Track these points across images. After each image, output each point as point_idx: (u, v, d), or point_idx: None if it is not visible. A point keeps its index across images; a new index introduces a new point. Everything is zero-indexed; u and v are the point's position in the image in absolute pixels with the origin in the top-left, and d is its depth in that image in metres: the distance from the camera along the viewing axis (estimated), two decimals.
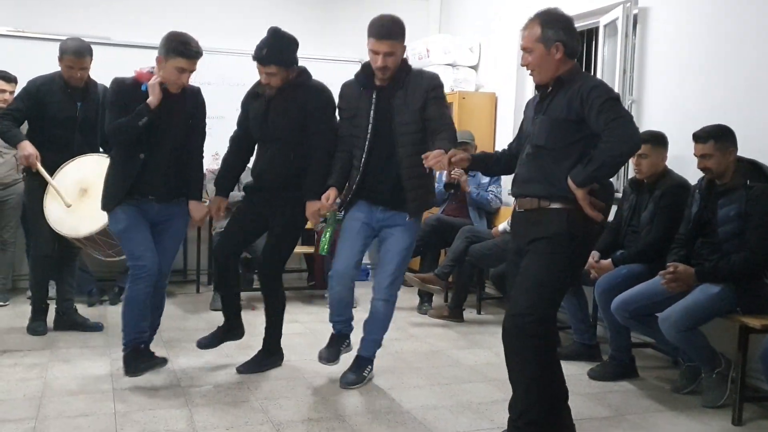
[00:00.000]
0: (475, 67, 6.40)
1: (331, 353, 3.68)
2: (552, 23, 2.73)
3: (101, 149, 4.40)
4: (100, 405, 3.26)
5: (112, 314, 5.02)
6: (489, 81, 6.30)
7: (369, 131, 3.44)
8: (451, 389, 3.66)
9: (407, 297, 5.74)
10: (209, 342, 3.89)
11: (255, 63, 3.54)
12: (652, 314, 3.58)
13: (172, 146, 3.62)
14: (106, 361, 3.91)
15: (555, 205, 2.74)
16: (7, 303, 5.15)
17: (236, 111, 6.24)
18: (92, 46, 5.80)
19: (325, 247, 3.63)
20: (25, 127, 4.35)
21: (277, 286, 3.89)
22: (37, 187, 4.12)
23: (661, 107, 4.50)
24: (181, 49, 3.45)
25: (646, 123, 4.57)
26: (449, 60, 6.29)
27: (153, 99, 3.50)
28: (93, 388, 3.49)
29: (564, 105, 2.71)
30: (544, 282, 2.71)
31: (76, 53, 4.15)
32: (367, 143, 3.44)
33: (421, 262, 5.55)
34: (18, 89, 4.56)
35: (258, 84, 3.71)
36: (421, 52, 6.40)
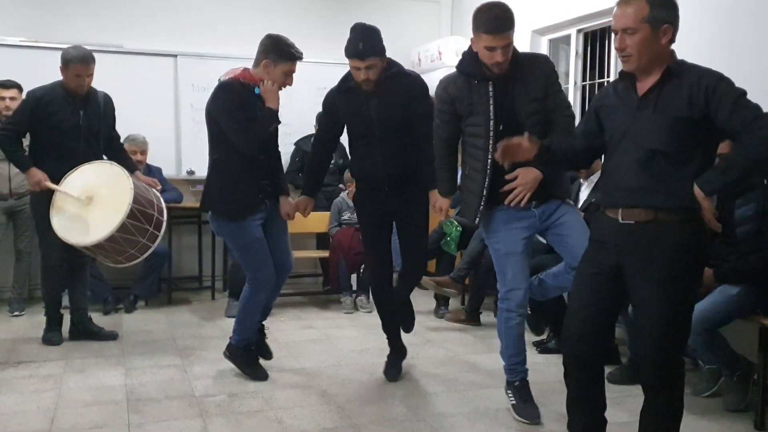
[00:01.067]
0: None
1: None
2: (663, 1, 2.36)
3: (104, 156, 4.39)
4: (114, 416, 3.24)
5: (127, 322, 5.03)
6: None
7: (491, 128, 3.07)
8: (468, 395, 3.61)
9: (423, 301, 5.70)
10: (395, 372, 3.82)
11: (351, 60, 3.46)
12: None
13: (275, 147, 3.75)
14: (120, 371, 3.90)
15: (678, 218, 2.37)
16: (23, 313, 5.18)
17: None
18: (104, 55, 5.88)
19: (453, 246, 3.35)
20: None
21: (417, 281, 3.84)
22: (43, 198, 4.13)
23: None
24: (291, 52, 3.59)
25: None
26: None
27: (275, 104, 3.60)
28: (107, 398, 3.48)
29: (684, 101, 2.33)
30: (680, 322, 2.41)
31: (83, 61, 4.16)
32: (491, 141, 3.05)
33: (436, 265, 5.50)
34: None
35: (346, 81, 3.59)
36: (433, 54, 6.36)
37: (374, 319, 4.73)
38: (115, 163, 4.13)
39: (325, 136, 3.82)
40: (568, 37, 5.54)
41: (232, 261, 5.44)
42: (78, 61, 4.14)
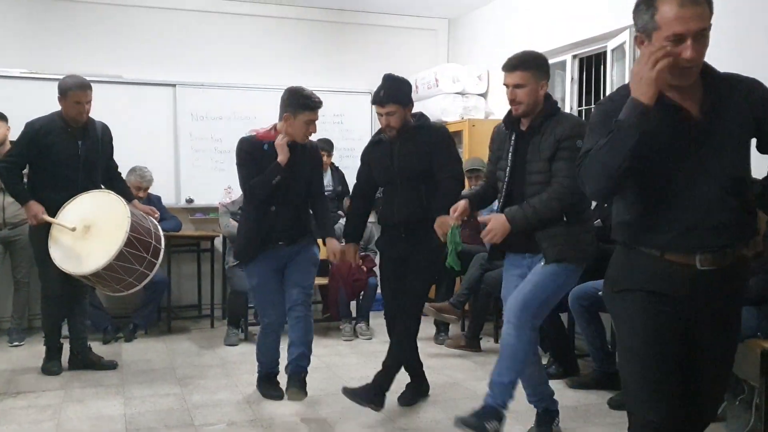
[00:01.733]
0: (484, 95, 6.40)
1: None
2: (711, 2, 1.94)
3: (102, 186, 4.42)
4: None
5: (127, 351, 5.01)
6: (498, 108, 6.29)
7: (507, 176, 3.16)
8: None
9: (423, 327, 5.64)
10: (410, 400, 3.88)
11: (375, 107, 3.68)
12: None
13: (296, 196, 3.86)
14: (120, 401, 3.88)
15: (747, 251, 2.08)
16: (22, 343, 5.16)
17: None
18: (104, 85, 5.93)
19: (450, 259, 3.22)
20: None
21: (410, 323, 3.73)
22: (41, 229, 4.14)
23: None
24: (307, 103, 3.71)
25: None
26: (458, 89, 6.29)
27: (283, 158, 3.73)
28: (106, 428, 3.45)
29: (746, 115, 2.01)
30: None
31: (81, 87, 4.20)
32: (504, 188, 3.17)
33: (436, 291, 5.50)
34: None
35: (378, 132, 3.81)
36: (430, 81, 6.42)
37: (374, 346, 4.72)
38: (113, 192, 4.15)
39: (362, 188, 3.94)
40: (564, 62, 5.60)
41: (231, 289, 5.44)
42: (77, 88, 4.18)
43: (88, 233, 3.97)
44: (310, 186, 3.95)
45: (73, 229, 3.98)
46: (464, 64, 6.46)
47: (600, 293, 3.76)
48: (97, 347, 4.78)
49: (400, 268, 3.75)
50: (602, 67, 5.21)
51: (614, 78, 4.91)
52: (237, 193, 5.90)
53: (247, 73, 6.40)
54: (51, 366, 4.40)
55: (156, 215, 4.36)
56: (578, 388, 4.11)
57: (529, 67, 3.03)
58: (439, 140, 3.67)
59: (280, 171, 3.71)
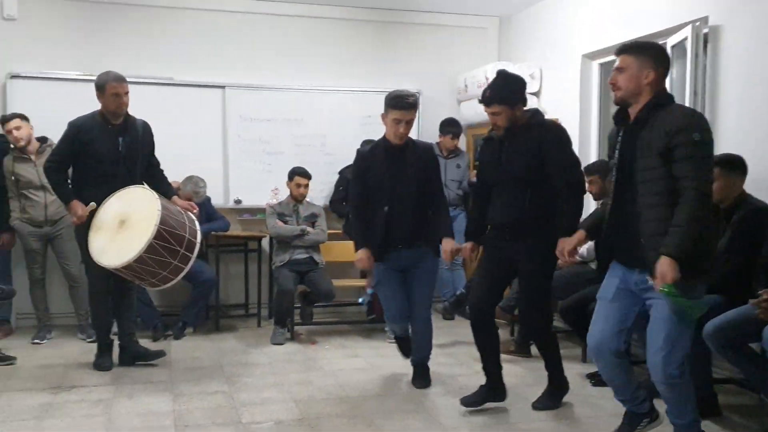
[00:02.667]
0: (536, 94, 6.29)
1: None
2: None
3: (143, 182, 4.47)
4: None
5: (175, 348, 5.05)
6: (551, 107, 6.17)
7: (614, 174, 2.95)
8: (520, 428, 3.50)
9: (470, 332, 5.60)
10: (474, 401, 3.72)
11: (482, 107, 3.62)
12: (744, 344, 3.34)
13: (408, 197, 3.93)
14: (168, 397, 3.90)
15: None
16: (93, 339, 5.18)
17: (295, 146, 6.40)
18: (156, 87, 6.05)
19: (687, 319, 2.84)
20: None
21: (541, 334, 3.77)
22: (84, 228, 4.22)
23: (738, 129, 4.28)
24: (396, 102, 3.82)
25: (720, 146, 4.35)
26: None
27: None
28: (155, 424, 3.48)
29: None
30: None
31: (117, 79, 4.28)
32: (613, 189, 2.95)
33: None
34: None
35: (490, 130, 3.72)
36: (480, 80, 6.32)
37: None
38: (147, 187, 4.20)
39: (481, 186, 3.86)
40: None
41: (277, 289, 5.45)
42: (113, 80, 4.25)
43: (123, 227, 4.03)
44: (424, 187, 3.95)
45: (111, 223, 4.08)
46: (516, 62, 6.35)
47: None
48: (146, 344, 4.84)
49: (499, 268, 3.68)
50: None
51: (674, 77, 4.75)
52: (284, 194, 5.93)
53: (295, 74, 6.42)
54: (102, 362, 4.47)
55: (195, 210, 4.38)
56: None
57: (634, 52, 2.85)
58: (551, 139, 3.50)
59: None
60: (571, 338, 5.32)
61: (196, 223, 4.24)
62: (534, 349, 4.97)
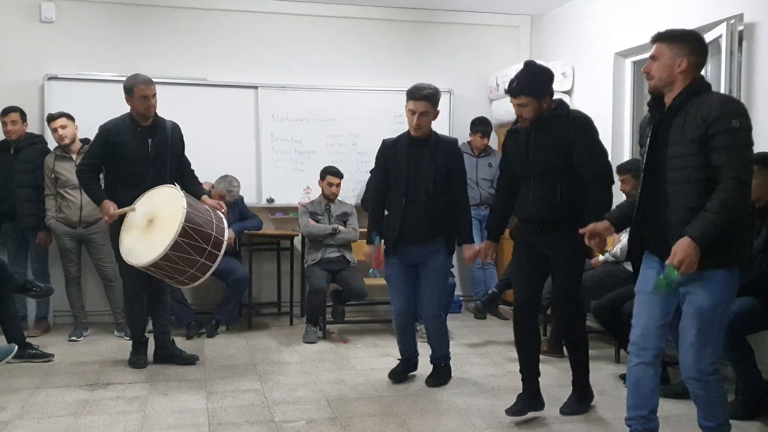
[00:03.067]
0: (569, 92, 6.23)
1: None
2: None
3: (175, 182, 4.54)
4: None
5: (209, 346, 5.11)
6: (584, 105, 6.10)
7: (644, 161, 2.90)
8: (553, 429, 3.48)
9: (503, 331, 5.58)
10: (518, 410, 3.59)
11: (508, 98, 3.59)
12: None
13: (423, 193, 3.96)
14: (202, 395, 3.95)
15: None
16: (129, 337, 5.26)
17: (327, 146, 6.43)
18: (189, 87, 6.12)
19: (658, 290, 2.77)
20: None
21: (574, 329, 3.68)
22: (117, 227, 4.31)
23: None
24: (410, 91, 3.92)
25: (757, 144, 4.28)
26: None
27: None
28: (190, 422, 3.52)
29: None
30: None
31: (145, 81, 4.35)
32: (643, 177, 2.89)
33: None
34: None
35: (516, 121, 3.64)
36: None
37: (452, 349, 4.62)
38: (175, 186, 4.26)
39: (506, 178, 3.77)
40: None
41: (310, 288, 5.48)
42: (141, 83, 4.33)
43: (151, 226, 4.09)
44: (444, 182, 3.96)
45: (133, 210, 4.19)
46: (548, 61, 6.28)
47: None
48: (180, 342, 4.90)
49: (535, 262, 3.59)
50: None
51: (709, 75, 4.67)
52: (316, 193, 5.97)
53: (327, 74, 6.44)
54: (137, 360, 4.54)
55: (223, 209, 4.41)
56: (668, 396, 3.91)
57: (667, 40, 2.80)
58: (578, 131, 3.43)
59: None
60: (604, 339, 5.27)
61: (224, 221, 4.28)
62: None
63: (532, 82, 3.43)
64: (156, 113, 4.47)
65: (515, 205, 3.67)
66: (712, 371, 2.76)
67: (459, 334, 5.56)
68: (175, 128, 4.57)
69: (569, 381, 4.28)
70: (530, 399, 3.61)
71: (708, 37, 4.61)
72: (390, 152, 4.10)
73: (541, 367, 4.61)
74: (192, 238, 3.98)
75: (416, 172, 3.99)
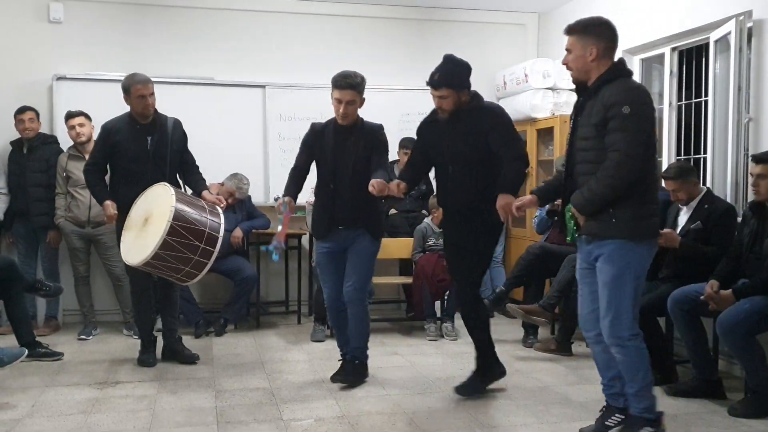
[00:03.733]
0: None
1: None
2: None
3: (179, 179, 4.58)
4: None
5: (217, 345, 5.13)
6: None
7: (567, 143, 3.16)
8: (560, 428, 3.46)
9: (511, 329, 5.57)
10: (469, 391, 3.89)
11: (429, 89, 3.70)
12: None
13: (350, 176, 3.94)
14: (210, 394, 3.96)
15: None
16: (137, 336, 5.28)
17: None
18: (197, 87, 6.14)
19: (570, 237, 3.12)
20: None
21: (476, 307, 3.88)
22: (121, 227, 4.34)
23: None
24: (334, 80, 3.89)
25: (765, 142, 4.27)
26: (549, 84, 6.13)
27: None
28: (198, 420, 3.53)
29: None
30: None
31: (143, 81, 4.37)
32: (566, 158, 3.16)
33: (524, 292, 5.36)
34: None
35: (434, 112, 3.81)
36: (519, 77, 6.28)
37: (459, 347, 4.65)
38: (167, 184, 4.23)
39: (416, 161, 4.06)
40: (662, 56, 5.36)
41: (318, 286, 5.49)
42: (137, 82, 4.35)
43: (146, 225, 4.10)
44: (366, 170, 3.92)
45: (136, 222, 4.22)
46: (555, 58, 6.27)
47: (702, 297, 3.62)
48: (189, 341, 4.92)
49: (455, 251, 3.82)
50: (704, 60, 4.95)
51: (717, 72, 4.66)
52: None
53: (334, 73, 6.42)
54: (146, 358, 4.56)
55: (222, 205, 4.37)
56: (677, 395, 3.91)
57: (576, 31, 3.00)
58: (493, 121, 3.63)
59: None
60: None
61: (222, 218, 4.23)
62: (575, 348, 4.94)
63: (453, 75, 3.59)
64: (156, 110, 4.50)
65: (438, 196, 3.96)
66: (630, 336, 2.97)
67: (466, 332, 5.54)
68: (177, 125, 4.58)
69: (578, 379, 4.30)
70: (479, 376, 3.90)
71: (717, 34, 4.60)
72: (317, 137, 4.04)
73: (550, 365, 4.65)
74: (182, 236, 3.96)
75: (341, 158, 3.97)
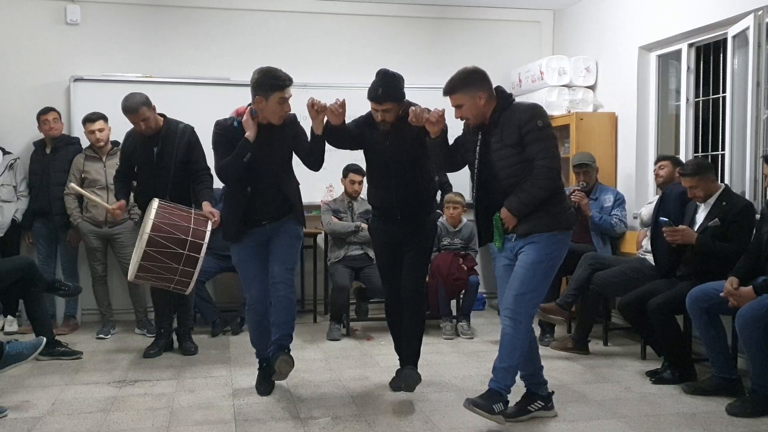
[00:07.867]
0: (592, 87, 6.18)
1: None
2: None
3: (186, 188, 4.61)
4: None
5: (234, 344, 5.15)
6: (608, 100, 6.06)
7: (476, 168, 3.45)
8: (578, 427, 3.45)
9: None
10: (395, 386, 3.98)
11: (370, 102, 3.74)
12: None
13: (274, 173, 3.85)
14: (228, 392, 3.99)
15: None
16: (151, 335, 5.30)
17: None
18: (213, 87, 6.15)
19: (496, 243, 3.43)
20: None
21: (420, 303, 3.98)
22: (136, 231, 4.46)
23: None
24: (277, 83, 3.72)
25: None
26: (565, 81, 6.10)
27: (250, 133, 3.76)
28: (216, 418, 3.55)
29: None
30: None
31: (127, 112, 4.48)
32: (476, 179, 3.47)
33: None
34: None
35: (370, 116, 3.83)
36: (534, 74, 6.26)
37: (475, 346, 4.63)
38: (158, 199, 4.20)
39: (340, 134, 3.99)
40: (679, 52, 5.32)
41: (333, 285, 5.50)
42: (126, 113, 4.50)
43: (139, 241, 4.13)
44: (291, 156, 3.95)
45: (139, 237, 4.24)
46: (571, 56, 6.25)
47: (721, 294, 3.60)
48: (205, 339, 4.97)
49: (396, 255, 3.89)
50: (722, 55, 4.91)
51: (735, 67, 4.61)
52: (338, 191, 5.98)
53: (348, 72, 6.44)
54: (149, 349, 4.78)
55: (214, 219, 4.19)
56: (696, 394, 3.88)
57: (458, 89, 3.31)
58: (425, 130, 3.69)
59: (250, 147, 3.72)
60: (629, 335, 5.23)
61: (209, 225, 4.14)
62: (592, 346, 4.92)
63: (395, 89, 3.70)
64: (166, 119, 4.61)
65: (372, 197, 4.01)
66: (526, 316, 3.27)
67: (482, 331, 5.55)
68: (183, 133, 4.58)
69: (595, 378, 4.28)
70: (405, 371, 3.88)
71: (735, 30, 4.55)
72: (235, 136, 3.80)
73: (566, 364, 4.63)
74: (163, 246, 3.96)
75: (266, 155, 3.81)
